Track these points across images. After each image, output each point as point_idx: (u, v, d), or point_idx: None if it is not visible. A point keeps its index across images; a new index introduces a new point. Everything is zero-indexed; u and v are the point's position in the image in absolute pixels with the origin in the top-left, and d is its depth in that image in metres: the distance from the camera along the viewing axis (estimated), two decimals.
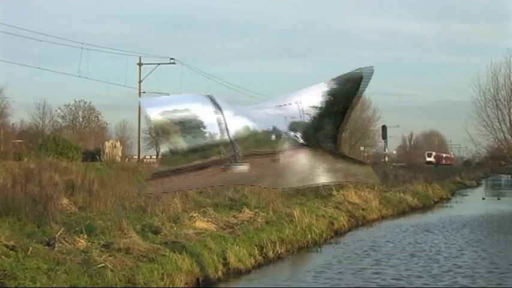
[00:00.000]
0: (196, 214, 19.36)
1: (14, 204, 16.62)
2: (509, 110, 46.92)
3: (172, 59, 50.14)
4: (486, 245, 22.63)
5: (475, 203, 45.36)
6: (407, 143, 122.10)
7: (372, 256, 19.86)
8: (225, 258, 16.02)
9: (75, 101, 74.15)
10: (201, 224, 18.60)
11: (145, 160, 64.76)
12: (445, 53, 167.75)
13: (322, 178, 6.35)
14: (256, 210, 22.45)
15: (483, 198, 49.03)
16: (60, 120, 72.49)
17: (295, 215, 22.30)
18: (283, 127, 6.12)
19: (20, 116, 70.23)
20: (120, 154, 39.22)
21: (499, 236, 25.60)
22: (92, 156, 40.65)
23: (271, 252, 18.54)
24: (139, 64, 50.60)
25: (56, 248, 12.92)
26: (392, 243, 22.96)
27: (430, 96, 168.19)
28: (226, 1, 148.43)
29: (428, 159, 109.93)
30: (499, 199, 47.93)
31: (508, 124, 46.76)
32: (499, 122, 47.04)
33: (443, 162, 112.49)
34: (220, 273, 15.49)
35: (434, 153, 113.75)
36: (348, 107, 6.27)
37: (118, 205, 19.01)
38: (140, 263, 13.46)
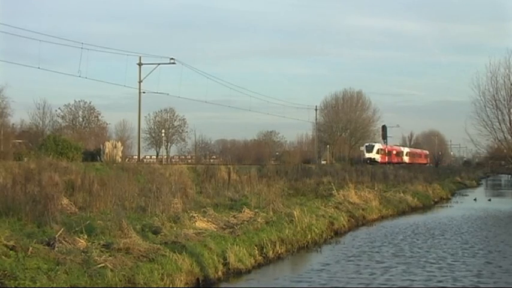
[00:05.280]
0: (196, 214, 19.37)
1: (14, 204, 16.63)
2: (509, 110, 46.87)
3: (172, 59, 50.21)
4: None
5: (473, 203, 45.65)
6: (408, 143, 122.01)
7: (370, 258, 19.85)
8: (225, 258, 16.02)
9: (75, 101, 74.31)
10: (201, 224, 18.60)
11: (145, 160, 64.83)
12: (445, 53, 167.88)
13: None
14: (256, 210, 22.45)
15: (475, 200, 49.70)
16: (60, 120, 72.57)
17: (295, 215, 22.28)
18: None
19: (20, 116, 70.22)
20: (120, 154, 39.16)
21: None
22: (92, 156, 40.61)
23: (271, 252, 18.54)
24: (139, 64, 50.56)
25: (56, 248, 12.92)
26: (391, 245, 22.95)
27: (430, 96, 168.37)
28: (226, 1, 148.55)
29: (367, 155, 74.29)
30: (489, 200, 49.89)
31: (508, 124, 46.69)
32: (499, 122, 47.02)
33: (407, 160, 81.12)
34: (220, 273, 15.50)
35: (380, 146, 77.18)
36: None
37: (118, 205, 19.00)
38: (140, 263, 13.46)
